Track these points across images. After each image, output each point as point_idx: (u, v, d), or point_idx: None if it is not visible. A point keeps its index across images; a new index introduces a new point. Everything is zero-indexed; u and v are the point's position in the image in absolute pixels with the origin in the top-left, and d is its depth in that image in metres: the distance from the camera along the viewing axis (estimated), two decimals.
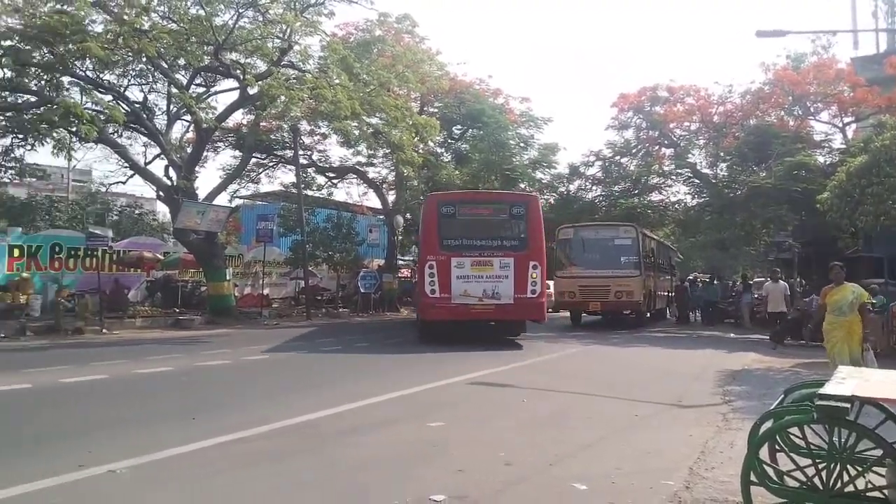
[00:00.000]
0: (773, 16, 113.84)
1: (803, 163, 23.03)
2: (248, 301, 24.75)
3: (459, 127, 31.75)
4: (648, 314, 23.83)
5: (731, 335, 19.89)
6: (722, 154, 27.39)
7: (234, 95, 21.70)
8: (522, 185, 30.40)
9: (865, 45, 33.68)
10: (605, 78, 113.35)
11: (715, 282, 26.16)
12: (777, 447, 4.11)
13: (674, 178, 30.27)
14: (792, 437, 4.11)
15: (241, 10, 19.62)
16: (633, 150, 30.68)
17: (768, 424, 4.05)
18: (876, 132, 18.68)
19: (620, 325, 21.45)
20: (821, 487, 3.65)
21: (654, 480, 5.02)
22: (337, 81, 19.14)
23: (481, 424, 6.91)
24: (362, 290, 26.18)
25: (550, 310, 20.95)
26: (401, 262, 34.37)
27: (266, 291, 25.20)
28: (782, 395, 4.58)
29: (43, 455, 5.34)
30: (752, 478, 3.77)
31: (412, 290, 31.31)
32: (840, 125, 27.45)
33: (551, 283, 22.51)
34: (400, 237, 31.22)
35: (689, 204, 29.97)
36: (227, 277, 22.12)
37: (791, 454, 4.00)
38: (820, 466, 3.73)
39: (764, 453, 3.97)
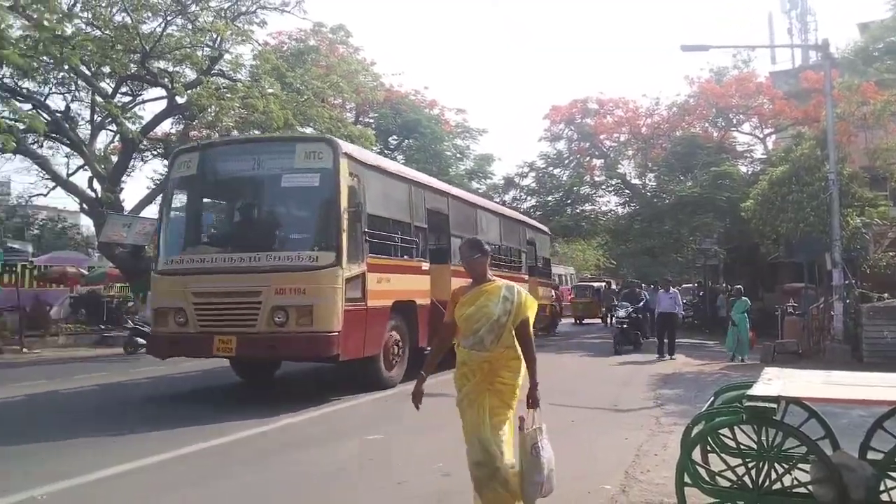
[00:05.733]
0: (697, 31, 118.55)
1: (727, 172, 23.91)
2: None
3: (395, 137, 31.70)
4: (397, 358, 9.95)
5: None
6: (650, 164, 28.18)
7: (163, 104, 21.09)
8: None
9: (782, 60, 35.54)
10: (538, 89, 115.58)
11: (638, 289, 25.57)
12: (709, 448, 4.22)
13: (605, 188, 30.99)
14: (723, 438, 4.23)
15: (169, 18, 19.09)
16: (566, 161, 31.27)
17: (700, 427, 4.16)
18: (795, 143, 19.56)
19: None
20: (750, 486, 3.76)
21: (591, 484, 5.09)
22: (270, 91, 18.83)
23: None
24: None
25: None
26: None
27: None
28: (713, 398, 4.72)
29: None
30: (686, 479, 3.86)
31: None
32: (761, 136, 28.71)
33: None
34: None
35: (619, 213, 30.72)
36: None
37: (722, 455, 4.12)
38: (749, 465, 3.84)
39: (697, 455, 4.08)
